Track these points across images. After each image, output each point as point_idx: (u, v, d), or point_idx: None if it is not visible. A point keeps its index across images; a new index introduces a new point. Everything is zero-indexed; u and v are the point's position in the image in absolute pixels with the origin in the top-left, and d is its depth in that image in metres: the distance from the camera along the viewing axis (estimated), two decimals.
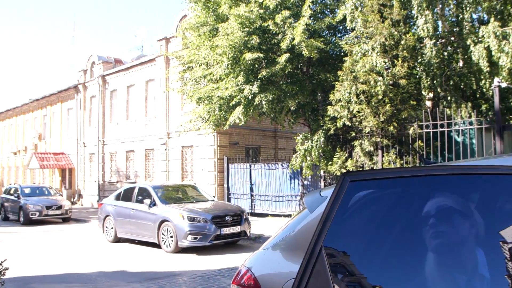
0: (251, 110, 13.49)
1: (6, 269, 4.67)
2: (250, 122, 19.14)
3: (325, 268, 1.41)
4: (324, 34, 14.52)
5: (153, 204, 12.61)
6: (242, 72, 13.00)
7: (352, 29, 12.48)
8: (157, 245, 12.36)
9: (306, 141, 13.01)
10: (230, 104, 13.47)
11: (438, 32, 11.68)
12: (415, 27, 11.55)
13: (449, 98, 11.61)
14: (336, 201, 1.50)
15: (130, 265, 10.34)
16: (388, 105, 11.00)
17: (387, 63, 11.10)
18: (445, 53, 11.73)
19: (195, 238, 11.44)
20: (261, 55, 12.65)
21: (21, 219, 20.65)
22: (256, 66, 13.00)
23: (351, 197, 1.51)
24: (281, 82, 13.30)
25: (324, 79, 13.49)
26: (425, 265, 1.47)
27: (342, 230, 1.49)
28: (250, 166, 19.01)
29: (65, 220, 21.30)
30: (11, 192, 22.66)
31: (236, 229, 11.97)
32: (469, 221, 1.51)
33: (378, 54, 11.05)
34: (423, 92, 11.51)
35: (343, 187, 1.51)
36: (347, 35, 13.83)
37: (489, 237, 1.48)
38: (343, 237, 1.50)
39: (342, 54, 12.79)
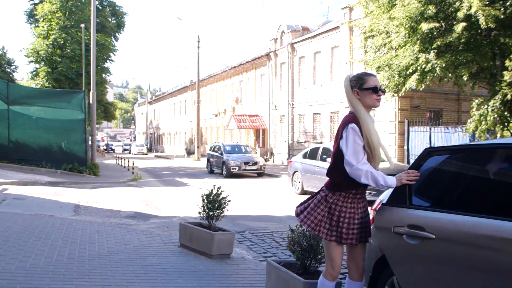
0: (426, 77, 13.96)
1: (229, 201, 6.66)
2: (431, 85, 19.35)
3: (405, 190, 2.95)
4: None
5: None
6: (418, 41, 13.54)
7: None
8: None
9: (482, 106, 13.20)
10: (407, 72, 14.14)
11: None
12: None
13: None
14: (419, 159, 2.92)
15: None
16: None
17: None
18: None
19: (370, 193, 12.80)
20: (437, 25, 12.99)
21: (224, 172, 24.11)
22: (434, 34, 13.36)
23: (427, 159, 2.93)
24: (459, 48, 13.44)
25: (504, 43, 13.26)
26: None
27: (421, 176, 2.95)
28: (430, 129, 19.43)
29: (259, 174, 24.27)
30: (215, 149, 26.34)
31: None
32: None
33: None
34: None
35: (423, 153, 2.91)
36: None
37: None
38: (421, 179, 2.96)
39: None
